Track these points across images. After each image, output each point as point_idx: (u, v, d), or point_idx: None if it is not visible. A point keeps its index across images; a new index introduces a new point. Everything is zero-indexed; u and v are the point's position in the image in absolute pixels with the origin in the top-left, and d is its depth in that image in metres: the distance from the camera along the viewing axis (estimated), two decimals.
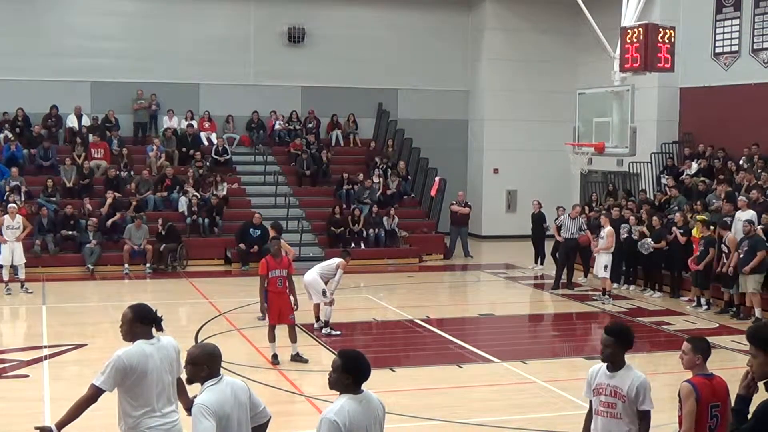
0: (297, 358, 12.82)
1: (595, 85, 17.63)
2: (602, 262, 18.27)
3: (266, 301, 12.66)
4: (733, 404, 5.20)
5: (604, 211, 20.50)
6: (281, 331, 12.82)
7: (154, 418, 5.98)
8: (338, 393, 5.19)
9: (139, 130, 26.12)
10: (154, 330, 6.17)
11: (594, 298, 18.55)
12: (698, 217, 18.09)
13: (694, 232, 17.98)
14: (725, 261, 16.79)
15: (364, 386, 5.21)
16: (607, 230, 18.48)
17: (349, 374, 5.13)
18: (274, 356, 12.73)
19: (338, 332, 14.73)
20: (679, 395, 5.99)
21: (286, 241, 16.15)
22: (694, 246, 17.79)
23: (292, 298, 12.85)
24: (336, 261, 14.94)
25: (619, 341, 6.15)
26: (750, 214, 17.25)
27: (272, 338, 12.74)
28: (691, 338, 6.26)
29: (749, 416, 4.90)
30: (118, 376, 5.90)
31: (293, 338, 12.83)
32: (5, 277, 18.38)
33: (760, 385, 5.02)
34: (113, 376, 5.90)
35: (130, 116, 26.11)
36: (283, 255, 13.00)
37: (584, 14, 17.07)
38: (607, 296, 18.22)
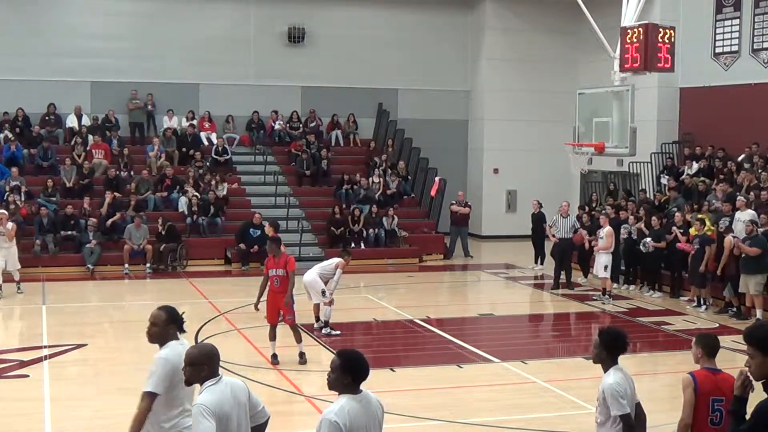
0: (300, 357, 12.78)
1: (595, 85, 17.60)
2: (602, 262, 18.27)
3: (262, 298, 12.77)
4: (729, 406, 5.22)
5: (603, 211, 20.50)
6: (281, 330, 12.82)
7: (188, 418, 5.96)
8: (337, 393, 5.19)
9: (136, 129, 26.11)
10: None
11: (594, 298, 18.56)
12: (698, 215, 18.09)
13: (691, 230, 17.97)
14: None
15: (363, 386, 5.21)
16: (607, 230, 18.49)
17: (349, 374, 5.13)
18: (274, 356, 12.73)
19: (338, 332, 14.73)
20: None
21: (283, 240, 16.11)
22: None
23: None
24: (335, 261, 14.93)
25: (603, 344, 6.18)
26: (750, 213, 17.23)
27: (272, 337, 12.74)
28: (698, 334, 6.44)
29: (747, 416, 4.91)
30: (167, 378, 5.91)
31: (298, 339, 12.79)
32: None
33: (757, 385, 5.02)
34: (164, 379, 5.91)
35: (128, 116, 26.12)
36: (282, 254, 12.97)
37: (584, 14, 17.06)
38: (607, 296, 18.23)
